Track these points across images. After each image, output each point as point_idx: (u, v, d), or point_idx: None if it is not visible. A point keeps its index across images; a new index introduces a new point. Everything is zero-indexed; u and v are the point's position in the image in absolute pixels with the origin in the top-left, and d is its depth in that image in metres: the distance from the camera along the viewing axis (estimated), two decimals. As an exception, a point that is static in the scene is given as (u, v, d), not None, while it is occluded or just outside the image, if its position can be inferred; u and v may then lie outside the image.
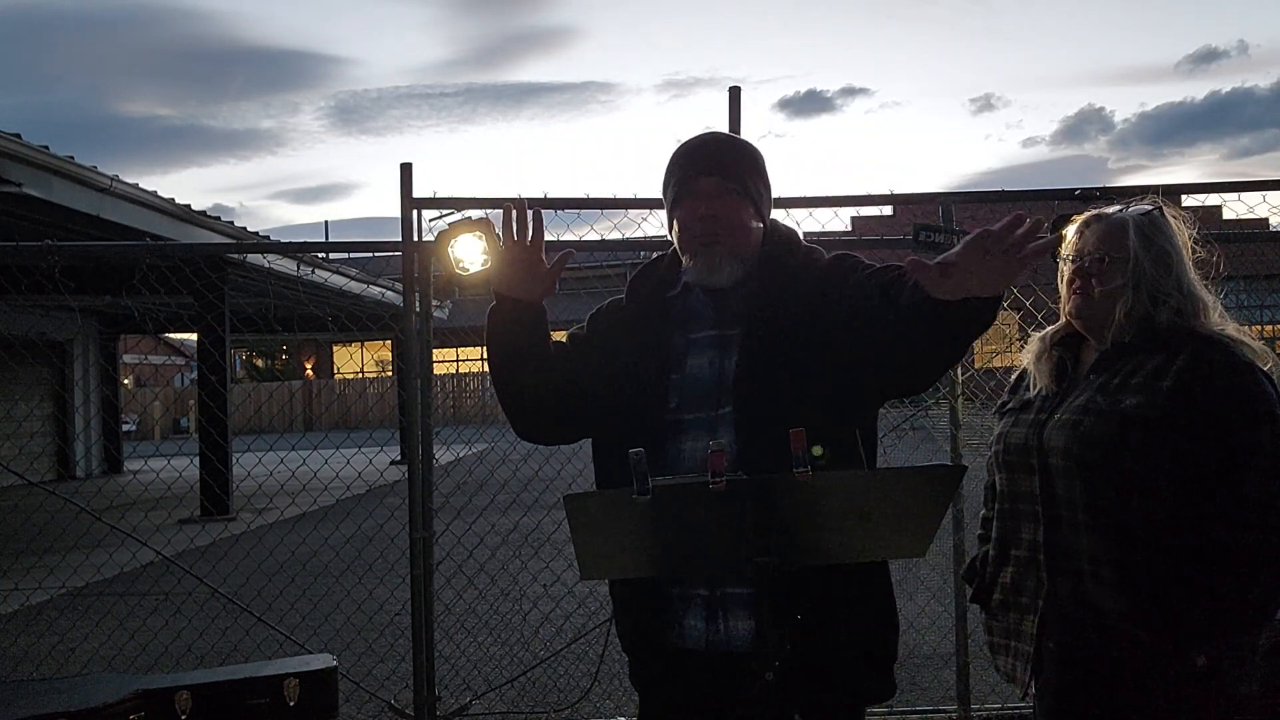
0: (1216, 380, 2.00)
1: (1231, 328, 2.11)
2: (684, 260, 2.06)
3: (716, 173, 2.03)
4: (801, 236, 2.15)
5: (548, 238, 2.15)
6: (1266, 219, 4.82)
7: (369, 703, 4.48)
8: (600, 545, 1.66)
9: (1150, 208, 2.18)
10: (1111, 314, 2.12)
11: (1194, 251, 2.20)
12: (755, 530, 1.60)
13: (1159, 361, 2.06)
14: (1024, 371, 2.32)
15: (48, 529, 6.51)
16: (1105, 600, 2.03)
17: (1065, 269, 2.21)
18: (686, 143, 2.09)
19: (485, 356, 2.11)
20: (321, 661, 3.10)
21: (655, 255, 2.20)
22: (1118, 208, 2.22)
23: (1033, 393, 2.25)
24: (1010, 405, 2.31)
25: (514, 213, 1.95)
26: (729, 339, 1.99)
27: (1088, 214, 2.23)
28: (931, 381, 1.99)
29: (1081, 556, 2.06)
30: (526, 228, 1.95)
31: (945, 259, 1.67)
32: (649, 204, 4.15)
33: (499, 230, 1.97)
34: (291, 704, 2.94)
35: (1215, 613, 1.97)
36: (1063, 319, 2.26)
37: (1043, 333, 2.29)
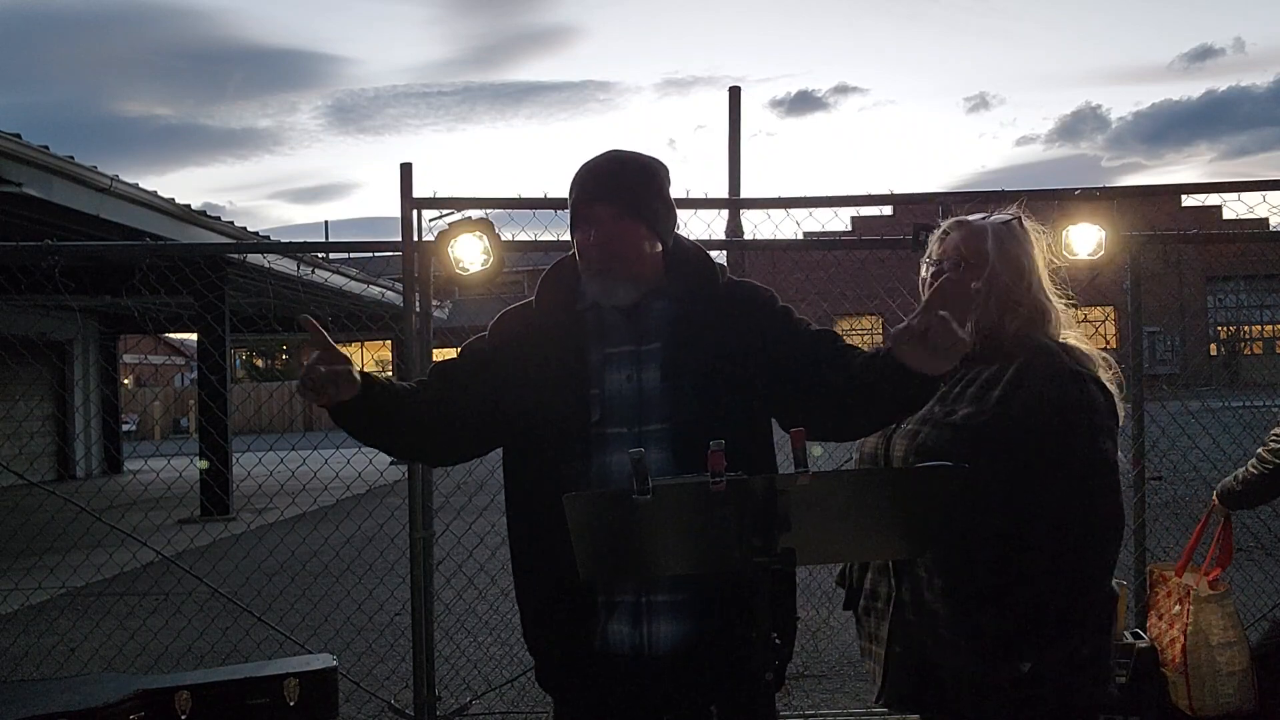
0: (1039, 390, 2.03)
1: (1071, 337, 2.16)
2: (584, 278, 2.07)
3: (608, 198, 2.02)
4: (725, 265, 2.16)
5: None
6: (1266, 219, 4.82)
7: (369, 703, 4.48)
8: (600, 545, 1.66)
9: (1010, 217, 2.22)
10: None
11: (1050, 263, 2.24)
12: (755, 531, 1.60)
13: (994, 371, 2.10)
14: None
15: (48, 529, 6.50)
16: (937, 606, 2.07)
17: (926, 275, 2.23)
18: (586, 164, 2.07)
19: None
20: (321, 661, 3.11)
21: (558, 260, 2.16)
22: (980, 215, 2.25)
23: None
24: None
25: (312, 332, 1.93)
26: (646, 354, 2.00)
27: (950, 220, 2.25)
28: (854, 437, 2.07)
29: (919, 564, 2.10)
30: (323, 342, 1.92)
31: (922, 325, 1.67)
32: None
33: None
34: (291, 704, 2.95)
35: (1021, 623, 2.00)
36: None
37: None
